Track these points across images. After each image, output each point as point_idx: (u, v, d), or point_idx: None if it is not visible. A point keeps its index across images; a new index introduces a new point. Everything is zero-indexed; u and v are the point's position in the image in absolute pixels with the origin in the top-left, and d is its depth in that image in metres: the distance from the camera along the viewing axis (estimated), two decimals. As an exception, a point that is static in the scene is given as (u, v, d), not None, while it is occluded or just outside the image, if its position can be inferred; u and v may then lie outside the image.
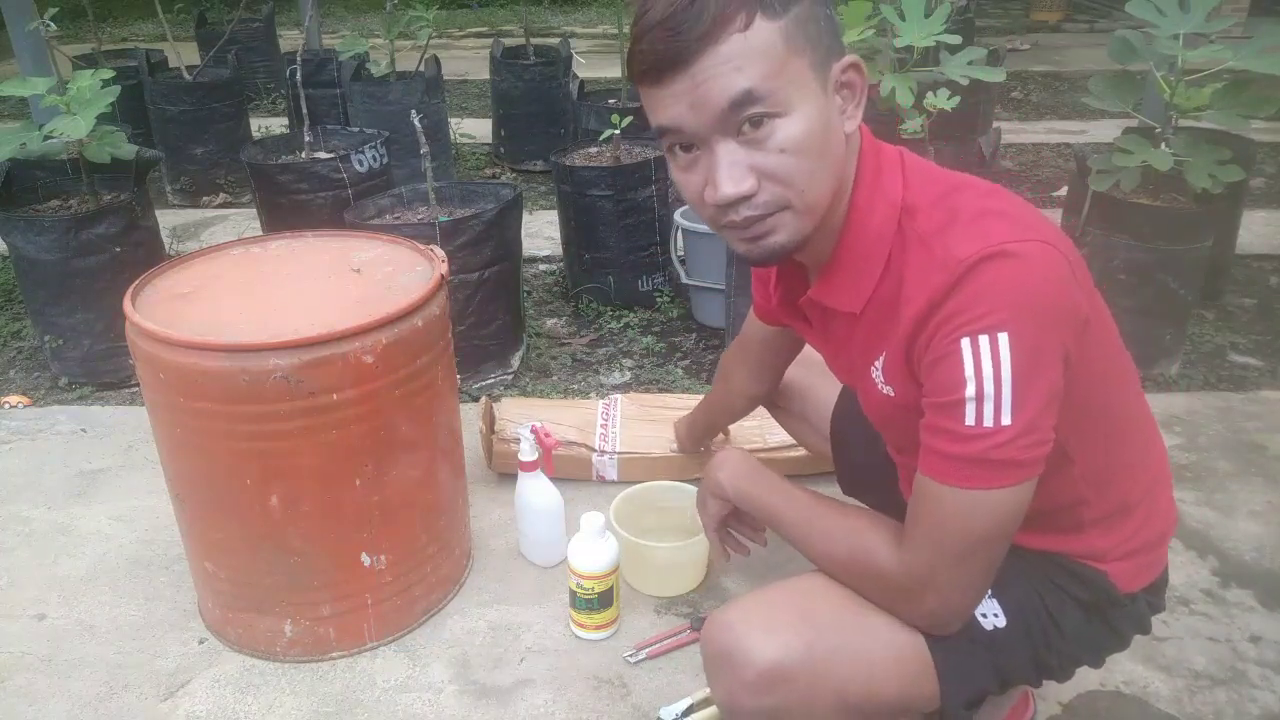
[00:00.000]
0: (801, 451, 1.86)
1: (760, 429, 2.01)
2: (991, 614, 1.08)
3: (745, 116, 0.89)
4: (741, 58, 0.88)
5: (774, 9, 0.88)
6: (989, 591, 1.06)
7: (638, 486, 1.82)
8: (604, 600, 1.60)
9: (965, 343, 0.90)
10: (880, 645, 1.05)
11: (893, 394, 1.04)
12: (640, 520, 1.75)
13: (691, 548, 1.70)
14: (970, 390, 0.90)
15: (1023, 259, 0.90)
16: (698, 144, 0.93)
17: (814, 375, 1.57)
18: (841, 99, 0.96)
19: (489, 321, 2.44)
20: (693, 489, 1.75)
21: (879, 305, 1.02)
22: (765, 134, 0.90)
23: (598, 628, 1.62)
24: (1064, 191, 3.46)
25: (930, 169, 1.04)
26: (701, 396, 2.23)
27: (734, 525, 1.37)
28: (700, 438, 1.91)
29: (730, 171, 0.92)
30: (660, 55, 0.88)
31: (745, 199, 0.93)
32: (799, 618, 1.04)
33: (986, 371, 0.89)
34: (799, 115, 0.91)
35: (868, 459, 1.41)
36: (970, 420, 0.91)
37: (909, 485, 1.11)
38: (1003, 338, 0.88)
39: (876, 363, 1.05)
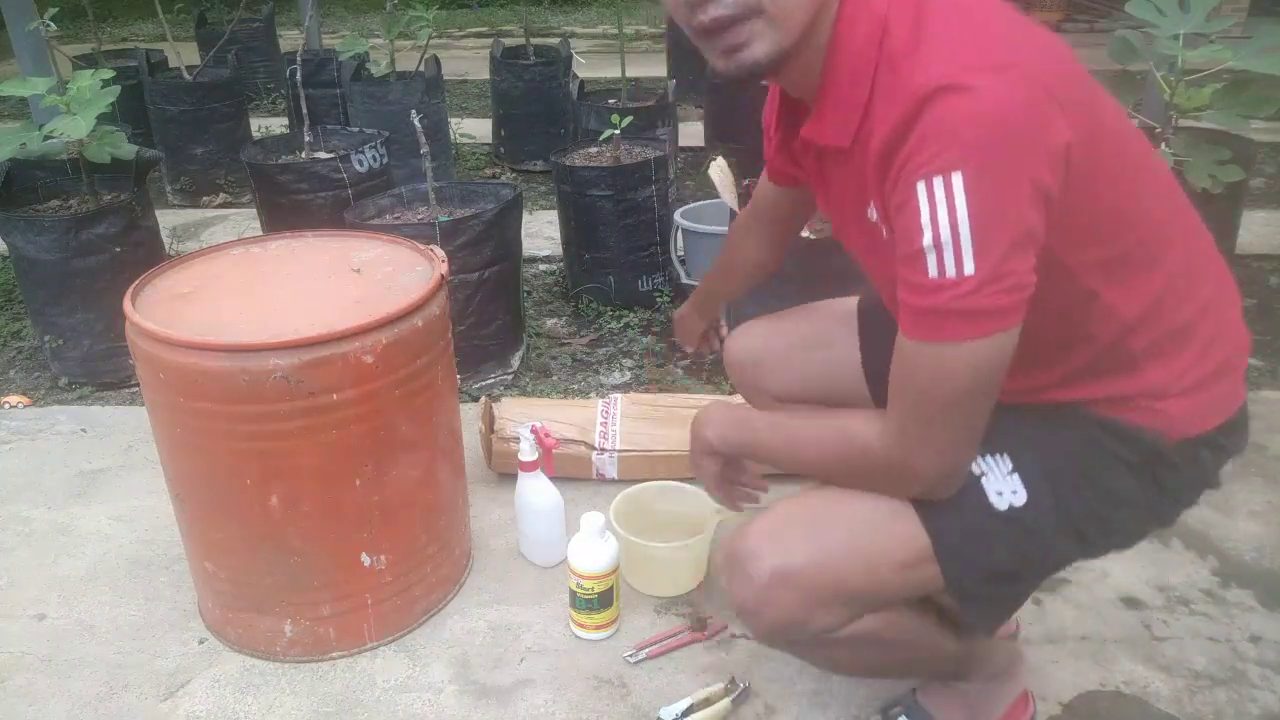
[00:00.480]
0: None
1: None
2: (1009, 491, 1.02)
3: None
4: None
5: None
6: (1010, 467, 1.03)
7: (638, 486, 1.82)
8: (604, 600, 1.60)
9: (920, 187, 0.84)
10: (881, 536, 1.05)
11: (886, 235, 0.97)
12: (640, 520, 1.75)
13: (691, 548, 1.70)
14: (928, 239, 0.85)
15: (981, 90, 0.83)
16: None
17: (832, 353, 1.44)
18: None
19: (489, 321, 2.44)
20: (692, 489, 1.75)
21: (865, 138, 0.94)
22: None
23: (598, 628, 1.62)
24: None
25: None
26: (701, 396, 2.24)
27: (733, 477, 1.35)
28: (707, 311, 1.68)
29: None
30: None
31: None
32: (805, 523, 1.08)
33: (942, 217, 0.83)
34: None
35: None
36: (933, 271, 0.85)
37: None
38: (956, 179, 0.82)
39: (871, 203, 0.99)
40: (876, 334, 1.29)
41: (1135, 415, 1.04)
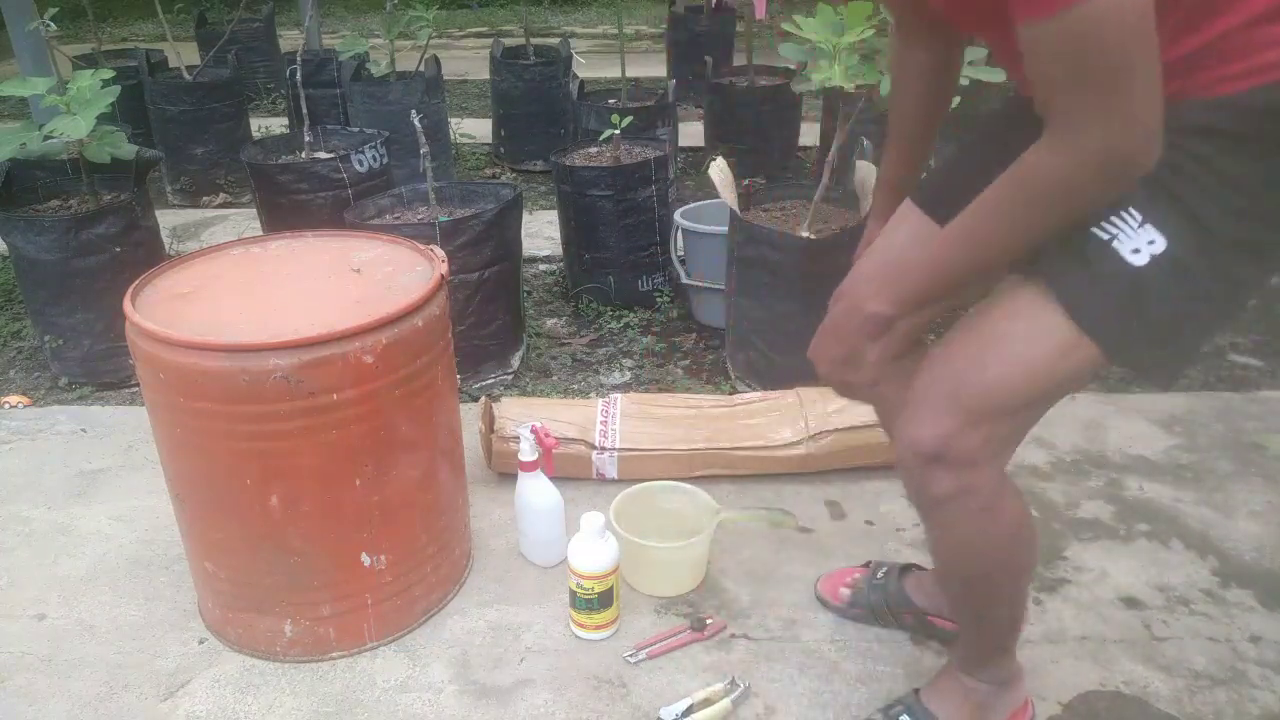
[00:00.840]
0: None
1: (760, 427, 2.01)
2: (1145, 243, 0.99)
3: None
4: None
5: None
6: (1139, 220, 0.99)
7: (638, 486, 1.82)
8: (604, 600, 1.60)
9: None
10: (1031, 340, 1.06)
11: None
12: (640, 520, 1.75)
13: (691, 548, 1.70)
14: None
15: None
16: None
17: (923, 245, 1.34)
18: None
19: (489, 321, 2.44)
20: (693, 489, 1.75)
21: None
22: None
23: (598, 628, 1.62)
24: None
25: None
26: (702, 397, 2.23)
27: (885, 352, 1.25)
28: (917, 167, 1.49)
29: None
30: None
31: None
32: (965, 358, 1.10)
33: None
34: None
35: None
36: None
37: (1020, 72, 1.01)
38: None
39: None
40: (942, 203, 1.25)
41: (1250, 79, 0.96)
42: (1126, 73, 0.86)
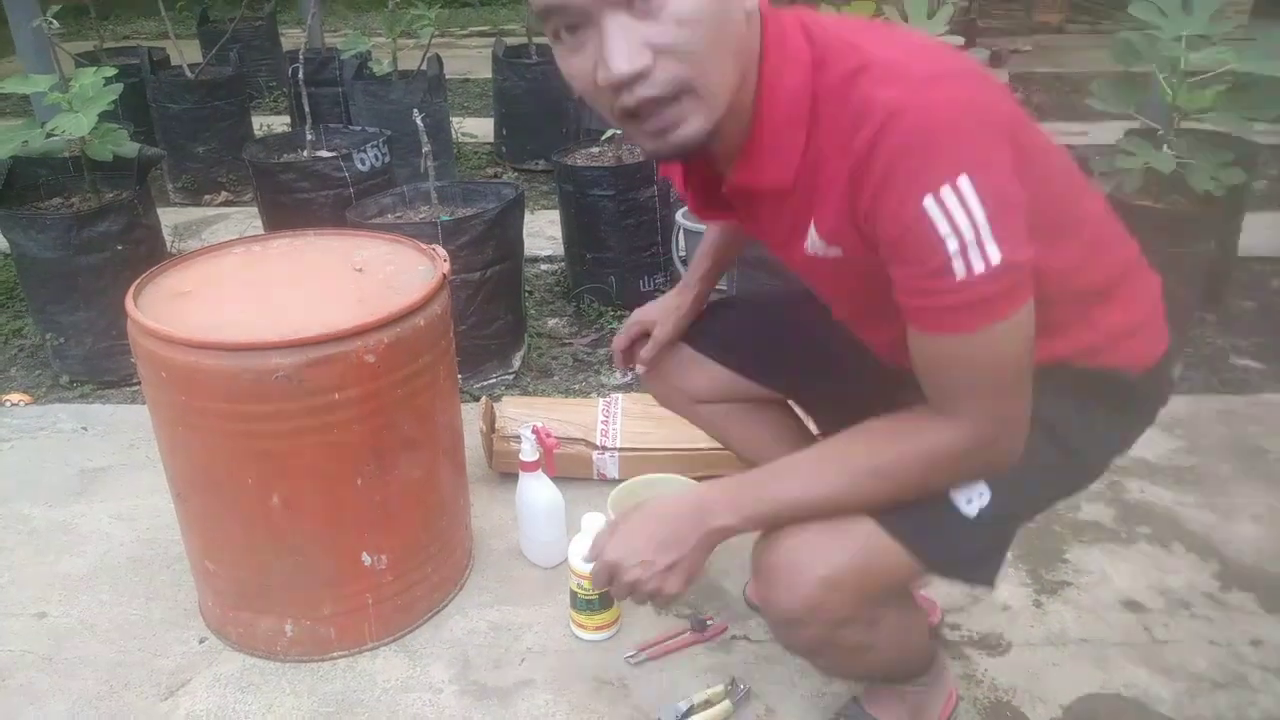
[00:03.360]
0: None
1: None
2: (976, 494, 1.05)
3: None
4: None
5: None
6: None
7: (637, 478, 1.82)
8: (604, 601, 1.60)
9: (929, 202, 0.86)
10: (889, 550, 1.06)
11: (841, 253, 1.00)
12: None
13: None
14: (953, 246, 0.87)
15: (940, 95, 0.86)
16: (585, 22, 0.86)
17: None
18: None
19: (490, 321, 2.44)
20: (690, 481, 1.75)
21: (807, 171, 0.96)
22: (658, 4, 0.84)
23: (598, 628, 1.62)
24: (1066, 193, 3.45)
25: (828, 21, 0.98)
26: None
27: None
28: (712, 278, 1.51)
29: (622, 45, 0.84)
30: None
31: (641, 77, 0.85)
32: (838, 529, 1.05)
33: (963, 226, 0.86)
34: None
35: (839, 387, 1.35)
36: (960, 274, 0.88)
37: (889, 350, 1.10)
38: (964, 182, 0.85)
39: (810, 230, 1.01)
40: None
41: (1107, 359, 1.10)
42: (1022, 380, 0.96)
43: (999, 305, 0.90)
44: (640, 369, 1.50)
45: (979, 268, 0.87)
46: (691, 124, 0.90)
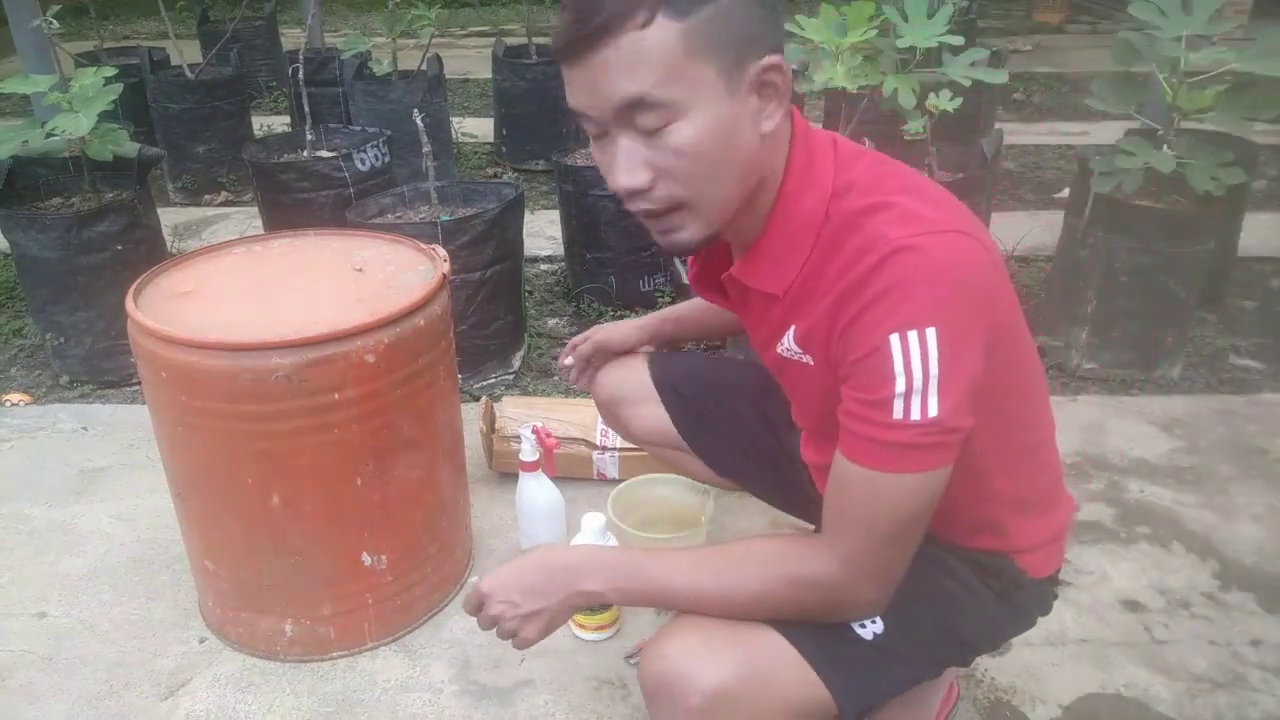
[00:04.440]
0: None
1: None
2: (870, 622, 1.06)
3: (639, 116, 0.89)
4: (636, 59, 0.86)
5: (679, 7, 0.85)
6: None
7: (637, 478, 1.83)
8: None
9: (895, 340, 0.90)
10: (792, 666, 1.04)
11: (812, 362, 1.04)
12: (638, 512, 1.75)
13: (688, 539, 1.70)
14: (900, 386, 0.90)
15: (948, 247, 0.91)
16: (604, 132, 0.93)
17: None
18: (760, 98, 0.93)
19: (490, 321, 2.44)
20: (687, 480, 1.74)
21: (801, 283, 1.01)
22: (662, 133, 0.90)
23: (598, 628, 1.62)
24: (1066, 193, 3.46)
25: (861, 154, 1.03)
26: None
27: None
28: (669, 334, 1.62)
29: (625, 164, 0.92)
30: (565, 39, 0.88)
31: (640, 192, 0.93)
32: (732, 636, 1.02)
33: (915, 370, 0.90)
34: (696, 119, 0.89)
35: (766, 476, 1.49)
36: (898, 414, 0.91)
37: (821, 476, 1.14)
38: (931, 333, 0.89)
39: (789, 333, 1.05)
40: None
41: (1016, 559, 1.15)
42: (906, 539, 0.99)
43: (920, 457, 0.93)
44: (568, 361, 1.64)
45: (915, 415, 0.91)
46: (686, 233, 0.97)
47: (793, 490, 1.43)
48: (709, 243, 1.00)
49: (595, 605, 1.48)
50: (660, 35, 0.85)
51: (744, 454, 1.50)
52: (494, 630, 1.11)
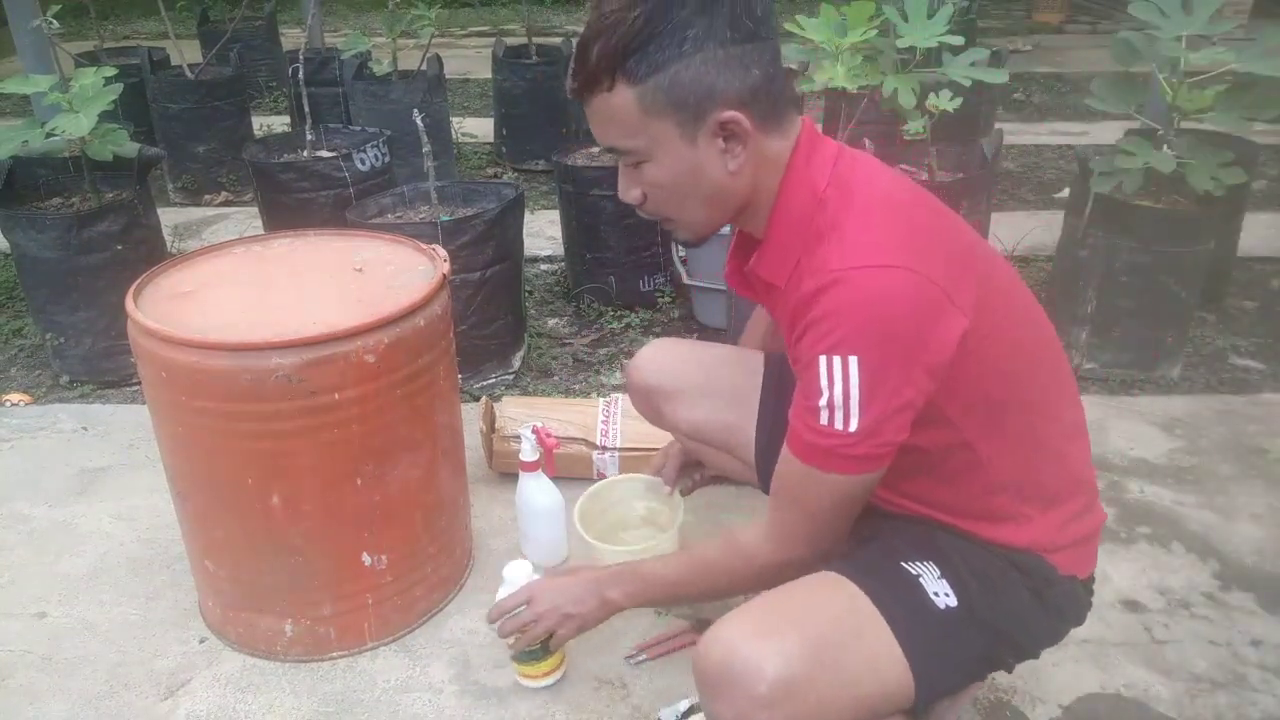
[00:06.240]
0: None
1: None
2: (943, 593, 1.12)
3: (620, 155, 1.09)
4: (606, 115, 1.05)
5: (634, 76, 1.01)
6: (938, 573, 1.14)
7: (602, 483, 1.78)
8: (546, 648, 1.46)
9: (823, 360, 1.02)
10: (868, 638, 1.07)
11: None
12: (608, 515, 1.72)
13: (658, 548, 1.62)
14: (824, 400, 1.03)
15: (878, 283, 1.00)
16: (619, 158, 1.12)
17: (733, 413, 1.51)
18: (725, 141, 1.05)
19: (490, 321, 2.44)
20: (655, 480, 1.71)
21: (791, 286, 1.12)
22: (641, 167, 1.09)
23: (544, 675, 1.53)
24: (1066, 193, 3.46)
25: (860, 167, 1.11)
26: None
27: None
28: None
29: (622, 184, 1.14)
30: (567, 89, 1.08)
31: (636, 204, 1.13)
32: (796, 623, 1.05)
33: (838, 389, 1.02)
34: (661, 163, 1.07)
35: None
36: (824, 421, 1.04)
37: None
38: (852, 361, 1.01)
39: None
40: (774, 409, 1.45)
41: (1035, 556, 1.18)
42: (833, 519, 1.12)
43: (844, 463, 1.06)
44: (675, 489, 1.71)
45: (839, 426, 1.04)
46: (682, 234, 1.17)
47: None
48: (704, 241, 1.18)
49: (540, 653, 1.49)
50: (621, 99, 1.03)
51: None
52: (523, 630, 1.38)
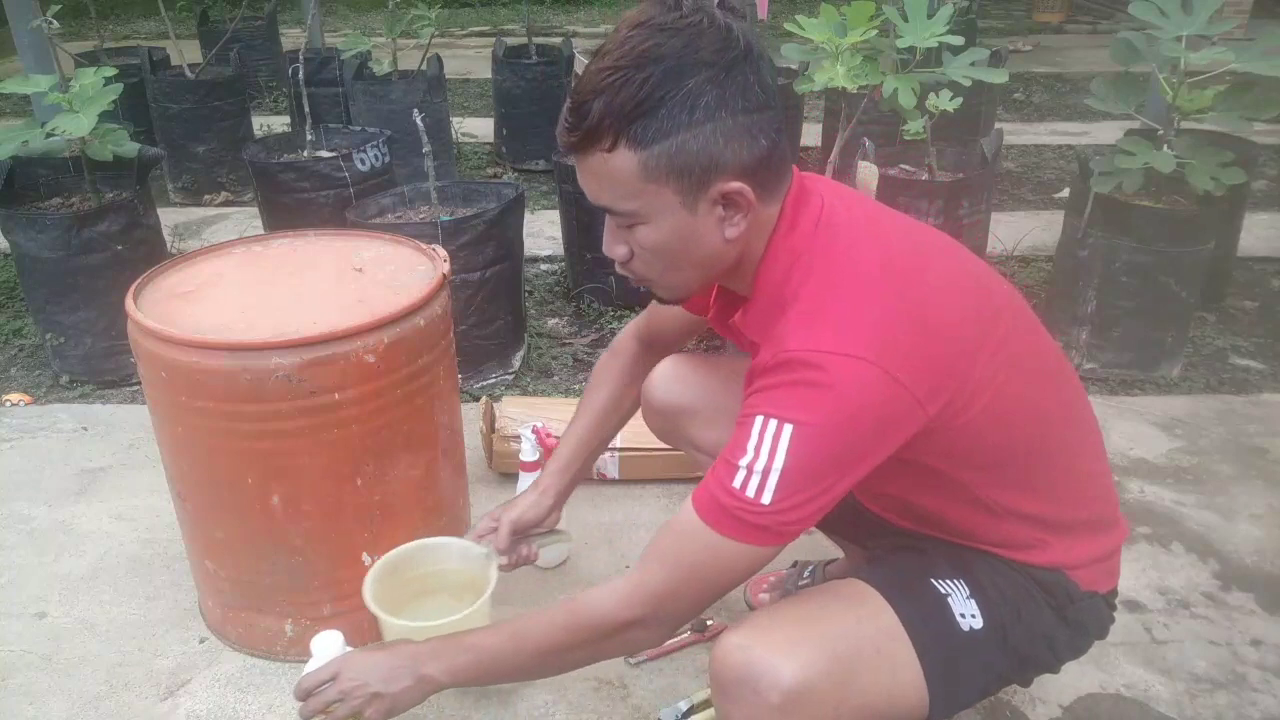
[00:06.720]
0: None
1: None
2: (970, 615, 1.10)
3: (611, 215, 1.03)
4: (603, 175, 0.99)
5: (639, 140, 0.95)
6: (967, 592, 1.12)
7: (394, 552, 1.51)
8: None
9: (759, 420, 0.97)
10: (887, 655, 1.06)
11: None
12: (417, 581, 1.53)
13: (468, 621, 1.36)
14: (746, 460, 0.97)
15: (832, 382, 0.95)
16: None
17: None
18: (725, 209, 1.01)
19: (490, 321, 2.44)
20: (459, 543, 1.53)
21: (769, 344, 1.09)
22: (632, 228, 1.02)
23: None
24: (1066, 193, 3.46)
25: (841, 233, 1.05)
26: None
27: None
28: (570, 487, 1.54)
29: (608, 239, 1.07)
30: (560, 139, 1.00)
31: (619, 262, 1.07)
32: (818, 634, 1.04)
33: (764, 454, 0.96)
34: (656, 227, 1.01)
35: None
36: (738, 483, 0.98)
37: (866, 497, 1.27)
38: (787, 431, 0.96)
39: None
40: None
41: (1058, 573, 1.17)
42: (703, 600, 1.05)
43: (740, 529, 0.99)
44: (500, 551, 1.50)
45: (750, 493, 0.97)
46: (660, 295, 1.12)
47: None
48: (681, 303, 1.16)
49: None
50: (622, 161, 0.96)
51: None
52: (326, 711, 1.18)
